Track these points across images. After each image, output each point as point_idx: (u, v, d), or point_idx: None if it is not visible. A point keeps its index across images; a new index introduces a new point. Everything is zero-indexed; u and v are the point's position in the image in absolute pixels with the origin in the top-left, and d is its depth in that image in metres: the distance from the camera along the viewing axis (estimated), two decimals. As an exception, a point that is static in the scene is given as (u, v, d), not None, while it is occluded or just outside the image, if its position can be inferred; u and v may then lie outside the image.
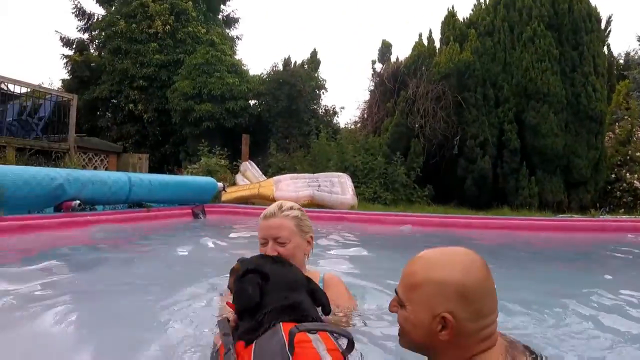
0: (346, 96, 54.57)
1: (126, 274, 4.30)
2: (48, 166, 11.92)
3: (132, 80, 20.54)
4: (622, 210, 14.11)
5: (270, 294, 1.96)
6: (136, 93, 20.55)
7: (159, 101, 20.46)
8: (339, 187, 12.49)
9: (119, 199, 8.21)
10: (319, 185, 12.59)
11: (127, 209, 8.43)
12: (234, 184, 14.01)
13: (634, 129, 16.39)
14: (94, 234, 6.42)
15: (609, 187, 15.42)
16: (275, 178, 13.27)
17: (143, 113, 20.55)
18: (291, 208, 2.57)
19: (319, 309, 2.10)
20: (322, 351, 1.67)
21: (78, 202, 7.06)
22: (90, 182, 7.47)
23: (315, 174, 13.44)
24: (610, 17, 16.46)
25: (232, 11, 27.85)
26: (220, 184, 11.09)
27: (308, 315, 1.92)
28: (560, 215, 11.73)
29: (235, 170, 15.26)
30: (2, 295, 3.00)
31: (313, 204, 11.48)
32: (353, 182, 13.22)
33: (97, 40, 23.96)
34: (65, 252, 5.08)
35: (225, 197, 11.83)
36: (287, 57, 20.01)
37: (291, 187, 12.57)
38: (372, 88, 18.89)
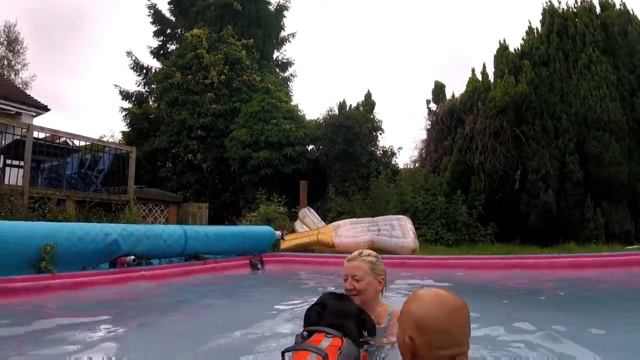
0: (404, 136, 54.25)
1: (182, 329, 4.31)
2: (108, 219, 12.09)
3: (190, 131, 21.09)
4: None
5: (325, 319, 2.85)
6: (194, 143, 21.07)
7: (217, 150, 20.93)
8: (400, 230, 12.19)
9: (174, 252, 8.03)
10: (379, 230, 12.30)
11: (183, 261, 8.31)
12: (292, 231, 13.96)
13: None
14: (148, 289, 6.41)
15: (677, 213, 14.84)
16: (335, 224, 13.08)
17: (202, 162, 21.02)
18: (368, 255, 3.38)
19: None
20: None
21: (133, 257, 6.95)
22: (145, 236, 7.32)
23: (375, 218, 13.17)
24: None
25: (284, 55, 28.55)
26: (278, 233, 10.94)
27: (346, 332, 2.71)
28: (628, 248, 11.27)
29: (294, 216, 15.24)
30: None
31: (373, 249, 11.18)
32: (414, 223, 12.92)
33: (154, 93, 24.67)
34: (119, 310, 5.08)
35: (284, 245, 11.65)
36: (342, 100, 20.25)
37: (350, 232, 12.35)
38: (428, 127, 18.78)
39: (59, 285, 5.73)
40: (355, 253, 3.40)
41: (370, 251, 3.44)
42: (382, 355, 2.99)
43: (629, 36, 14.98)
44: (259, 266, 9.16)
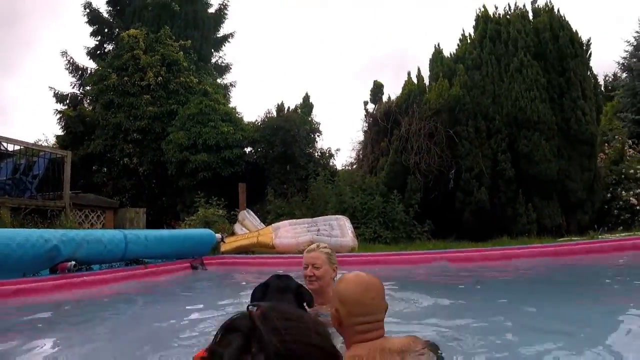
0: (342, 137, 54.91)
1: (122, 334, 4.39)
2: (44, 225, 11.85)
3: (126, 134, 20.53)
4: (621, 227, 14.30)
5: (268, 296, 3.42)
6: (130, 147, 20.52)
7: (153, 154, 20.41)
8: (339, 229, 12.38)
9: (115, 256, 8.02)
10: (318, 230, 12.45)
11: (124, 266, 8.27)
12: (232, 233, 13.91)
13: (625, 148, 16.74)
14: (92, 294, 6.35)
15: (606, 207, 15.53)
16: (274, 225, 13.11)
17: (138, 166, 20.50)
18: (325, 247, 4.08)
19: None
20: None
21: (73, 262, 6.88)
22: (85, 241, 7.29)
23: (314, 218, 13.31)
24: (589, 40, 16.59)
25: (223, 60, 28.46)
26: (218, 235, 10.97)
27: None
28: (560, 240, 11.71)
29: (233, 219, 15.17)
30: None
31: (313, 249, 11.35)
32: (352, 223, 13.11)
33: (90, 95, 24.00)
34: (59, 316, 5.01)
35: (224, 247, 11.66)
36: (280, 102, 20.08)
37: (290, 233, 12.44)
38: (365, 128, 18.95)
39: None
40: (314, 245, 4.11)
41: (326, 244, 4.18)
42: None
43: (560, 41, 15.48)
44: (200, 268, 9.19)
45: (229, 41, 28.13)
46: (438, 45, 17.76)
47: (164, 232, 10.16)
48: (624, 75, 24.69)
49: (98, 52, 26.49)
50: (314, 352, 1.14)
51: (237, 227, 14.47)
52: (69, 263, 6.86)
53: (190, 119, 19.23)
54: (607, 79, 28.50)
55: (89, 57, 26.37)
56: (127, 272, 7.94)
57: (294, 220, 13.65)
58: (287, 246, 11.62)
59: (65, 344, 3.83)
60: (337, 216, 13.31)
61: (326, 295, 3.84)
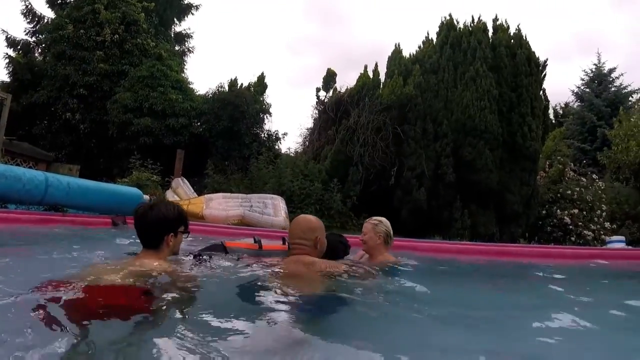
0: (291, 123, 54.92)
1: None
2: (-30, 168, 11.36)
3: (72, 88, 19.77)
4: (552, 244, 14.60)
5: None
6: (75, 102, 19.72)
7: (97, 112, 19.68)
8: (272, 208, 12.28)
9: (33, 198, 7.47)
10: (251, 206, 12.32)
11: (42, 211, 7.73)
12: (163, 199, 13.61)
13: (566, 169, 17.10)
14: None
15: (540, 223, 15.88)
16: (207, 196, 12.87)
17: (80, 123, 19.65)
18: (374, 220, 4.63)
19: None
20: None
21: None
22: (3, 176, 6.77)
23: (249, 195, 13.16)
24: (545, 61, 17.01)
25: (185, 29, 27.86)
26: (146, 197, 10.56)
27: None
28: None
29: (167, 187, 14.85)
30: None
31: (243, 223, 11.21)
32: (289, 206, 13.02)
33: (43, 44, 23.15)
34: None
35: (151, 212, 11.39)
36: (234, 78, 19.78)
37: (222, 205, 12.26)
38: (315, 116, 18.84)
39: None
40: (368, 219, 4.75)
41: (378, 217, 4.71)
42: None
43: (517, 58, 15.76)
44: (121, 225, 8.78)
45: (192, 13, 27.59)
46: (398, 45, 17.82)
47: (89, 183, 9.41)
48: (576, 104, 25.39)
49: (58, 1, 25.55)
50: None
51: (169, 194, 14.14)
52: (-20, 195, 6.46)
53: (139, 81, 18.74)
54: (557, 107, 29.32)
55: (47, 6, 25.30)
56: (42, 216, 7.38)
57: (229, 194, 13.48)
58: (216, 218, 11.42)
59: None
60: (272, 195, 13.21)
61: (374, 256, 4.58)
